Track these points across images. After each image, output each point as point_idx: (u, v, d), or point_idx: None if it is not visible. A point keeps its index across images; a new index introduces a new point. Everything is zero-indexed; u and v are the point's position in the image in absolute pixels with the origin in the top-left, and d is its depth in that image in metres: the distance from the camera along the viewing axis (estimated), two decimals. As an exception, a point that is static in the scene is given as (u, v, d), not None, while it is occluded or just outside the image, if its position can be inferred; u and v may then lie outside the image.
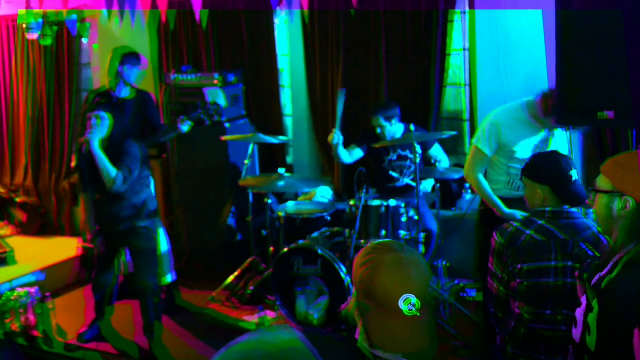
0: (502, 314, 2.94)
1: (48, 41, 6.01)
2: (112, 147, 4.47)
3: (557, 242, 2.76)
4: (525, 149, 4.03)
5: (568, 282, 2.73)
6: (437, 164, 5.16)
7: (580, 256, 2.70)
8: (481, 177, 4.15)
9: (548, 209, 2.85)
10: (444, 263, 5.08)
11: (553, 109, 3.77)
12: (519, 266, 2.77)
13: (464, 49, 5.69)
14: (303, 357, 1.28)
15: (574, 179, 2.85)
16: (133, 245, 4.66)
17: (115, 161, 4.41)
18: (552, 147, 4.02)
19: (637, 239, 2.03)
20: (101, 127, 4.42)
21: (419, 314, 1.73)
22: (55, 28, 6.12)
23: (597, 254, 2.69)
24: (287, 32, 6.30)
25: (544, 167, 2.91)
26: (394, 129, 5.13)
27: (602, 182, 2.16)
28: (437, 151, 5.29)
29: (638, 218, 2.04)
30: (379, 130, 5.14)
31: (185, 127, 4.98)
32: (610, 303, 2.03)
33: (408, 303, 1.73)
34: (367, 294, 1.77)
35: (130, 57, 5.21)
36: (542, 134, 4.04)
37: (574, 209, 2.88)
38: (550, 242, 2.77)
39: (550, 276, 2.75)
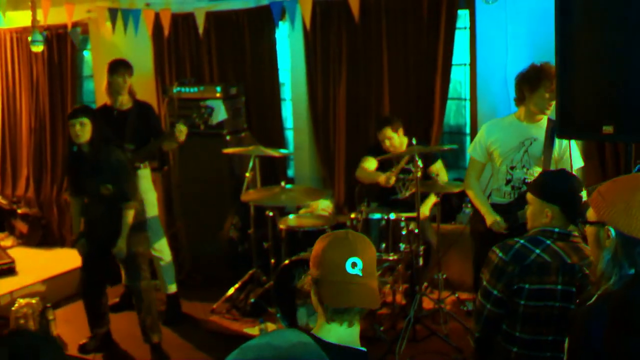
0: (491, 338, 2.84)
1: (40, 47, 6.03)
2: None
3: (564, 265, 2.70)
4: (504, 144, 4.11)
5: (572, 308, 2.67)
6: (438, 178, 5.19)
7: (583, 282, 2.64)
8: (472, 181, 4.30)
9: (556, 229, 2.79)
10: (443, 276, 5.10)
11: (531, 84, 3.96)
12: (525, 286, 2.68)
13: (465, 64, 5.75)
14: (311, 350, 1.34)
15: (584, 200, 2.78)
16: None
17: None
18: (540, 147, 4.05)
19: (619, 271, 2.00)
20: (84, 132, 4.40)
21: (361, 274, 1.98)
22: (44, 33, 6.13)
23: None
24: (288, 45, 6.36)
25: (556, 186, 2.85)
26: (400, 140, 5.16)
27: (590, 212, 2.13)
28: (438, 167, 5.30)
29: (619, 249, 2.00)
30: (387, 143, 5.16)
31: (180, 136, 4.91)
32: (574, 333, 2.03)
33: (353, 265, 1.98)
34: (318, 266, 2.04)
35: (122, 65, 5.24)
36: (528, 133, 4.08)
37: (576, 232, 2.82)
38: (557, 264, 2.69)
39: (555, 300, 2.69)
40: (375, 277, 2.05)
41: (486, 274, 2.79)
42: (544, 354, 2.73)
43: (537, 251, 2.72)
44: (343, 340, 2.00)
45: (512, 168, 4.12)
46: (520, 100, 4.09)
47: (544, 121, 4.08)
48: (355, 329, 2.04)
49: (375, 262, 2.07)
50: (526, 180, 4.09)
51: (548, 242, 2.75)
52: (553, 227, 2.80)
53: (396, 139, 5.15)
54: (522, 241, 2.77)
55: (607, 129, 2.91)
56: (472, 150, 4.33)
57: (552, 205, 2.80)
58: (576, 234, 2.82)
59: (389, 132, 5.13)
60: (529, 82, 3.99)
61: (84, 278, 4.75)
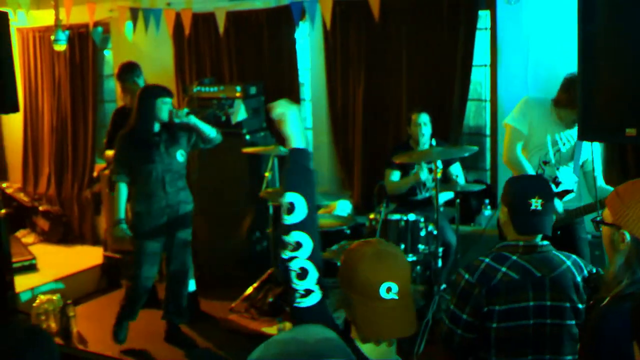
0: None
1: (63, 46, 6.09)
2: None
3: (533, 280, 2.56)
4: (541, 132, 3.99)
5: (547, 323, 2.55)
6: (457, 179, 5.17)
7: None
8: (522, 156, 4.04)
9: (520, 242, 2.64)
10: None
11: (571, 98, 3.81)
12: (495, 308, 2.54)
13: (486, 65, 5.72)
14: (336, 346, 1.35)
15: (532, 207, 2.59)
16: (181, 236, 4.74)
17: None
18: (572, 148, 3.99)
19: (631, 275, 1.96)
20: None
21: (397, 297, 1.90)
22: (67, 32, 6.18)
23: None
24: (308, 45, 6.36)
25: (508, 188, 2.72)
26: (428, 132, 5.16)
27: (606, 212, 2.07)
28: (456, 169, 5.28)
29: (633, 254, 1.96)
30: (420, 128, 5.11)
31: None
32: (587, 335, 2.01)
33: (388, 290, 1.90)
34: (350, 286, 1.95)
35: (125, 70, 5.33)
36: (562, 132, 4.00)
37: (546, 242, 2.68)
38: (526, 281, 2.55)
39: (528, 318, 2.55)
40: (410, 291, 1.97)
41: (453, 298, 2.65)
42: None
43: (503, 269, 2.58)
44: (381, 356, 1.96)
45: (544, 163, 4.01)
46: (557, 103, 4.01)
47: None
48: (394, 346, 2.00)
49: (410, 275, 1.99)
50: (557, 180, 4.02)
51: (514, 257, 2.61)
52: (518, 240, 2.65)
53: (428, 129, 5.13)
54: (487, 260, 2.62)
55: (630, 132, 2.87)
56: (514, 120, 4.08)
57: (504, 207, 2.69)
58: (544, 243, 2.67)
59: (425, 117, 5.13)
60: (569, 94, 3.88)
61: (146, 271, 4.65)
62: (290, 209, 2.03)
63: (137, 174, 4.56)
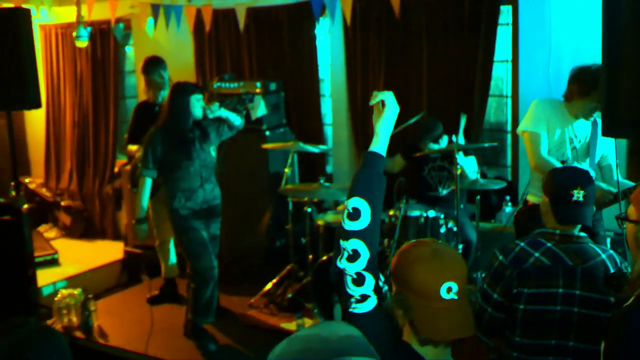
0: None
1: (84, 43, 6.14)
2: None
3: (564, 268, 2.62)
4: (554, 132, 3.90)
5: (575, 311, 2.60)
6: (478, 176, 5.13)
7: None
8: (548, 156, 3.90)
9: (557, 231, 2.71)
10: (482, 275, 5.04)
11: (581, 88, 3.74)
12: (524, 290, 2.63)
13: (507, 61, 5.67)
14: (360, 344, 1.34)
15: (574, 198, 2.65)
16: (212, 231, 4.75)
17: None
18: (586, 144, 3.93)
19: None
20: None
21: (457, 297, 1.86)
22: (89, 29, 6.23)
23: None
24: (328, 41, 6.35)
25: (550, 179, 2.78)
26: (442, 145, 5.11)
27: (630, 210, 2.07)
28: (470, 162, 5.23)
29: None
30: (427, 151, 5.11)
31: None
32: (612, 334, 1.98)
33: (448, 290, 1.85)
34: (406, 287, 1.90)
35: (152, 63, 5.36)
36: (577, 130, 3.92)
37: (583, 233, 2.73)
38: (557, 267, 2.62)
39: (556, 304, 2.61)
40: (466, 291, 1.93)
41: (486, 277, 2.75)
42: (546, 359, 2.65)
43: (537, 254, 2.66)
44: (438, 358, 1.92)
45: (562, 162, 3.94)
46: (568, 98, 3.90)
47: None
48: (450, 347, 1.95)
49: (467, 274, 1.94)
50: None
51: (549, 244, 2.68)
52: (555, 229, 2.72)
53: (436, 148, 5.10)
54: (522, 244, 2.71)
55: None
56: (529, 125, 3.93)
57: (545, 197, 2.76)
58: (582, 234, 2.71)
59: (429, 144, 5.11)
60: (580, 84, 3.76)
61: (205, 261, 4.58)
62: (353, 214, 1.99)
63: (175, 171, 4.53)
